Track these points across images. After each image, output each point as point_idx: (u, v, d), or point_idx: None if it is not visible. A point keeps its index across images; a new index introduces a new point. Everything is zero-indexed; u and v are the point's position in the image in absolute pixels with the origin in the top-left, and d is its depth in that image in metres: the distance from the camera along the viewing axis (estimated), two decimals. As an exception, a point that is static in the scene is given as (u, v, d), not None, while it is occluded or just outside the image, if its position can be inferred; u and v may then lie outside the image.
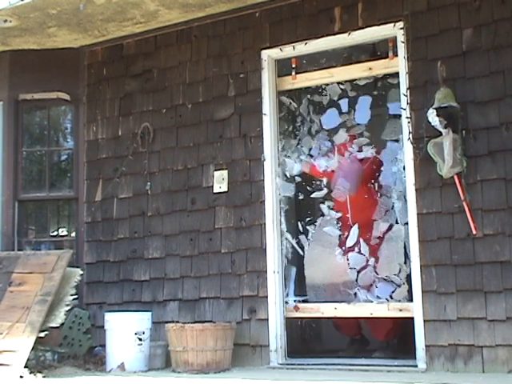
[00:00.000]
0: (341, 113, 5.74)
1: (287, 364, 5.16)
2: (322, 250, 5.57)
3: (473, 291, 4.60)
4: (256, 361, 5.23)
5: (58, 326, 5.22)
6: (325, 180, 5.73)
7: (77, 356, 5.58)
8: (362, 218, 5.52)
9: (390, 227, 5.34)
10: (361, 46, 5.51)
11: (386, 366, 4.87)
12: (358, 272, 5.37)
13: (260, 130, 5.49)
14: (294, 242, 5.54)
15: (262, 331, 5.25)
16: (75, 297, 5.48)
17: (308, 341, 5.99)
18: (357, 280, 5.35)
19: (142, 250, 5.89)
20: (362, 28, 5.20)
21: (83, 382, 4.64)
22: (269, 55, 5.56)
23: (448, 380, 4.17)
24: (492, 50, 4.73)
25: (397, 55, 5.11)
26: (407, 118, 4.93)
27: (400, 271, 5.18)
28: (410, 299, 4.91)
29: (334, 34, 5.31)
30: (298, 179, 5.69)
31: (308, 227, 5.68)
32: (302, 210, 5.99)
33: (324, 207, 5.69)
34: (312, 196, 5.79)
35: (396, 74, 5.14)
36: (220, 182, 5.59)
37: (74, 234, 6.37)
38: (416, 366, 4.71)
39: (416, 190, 4.85)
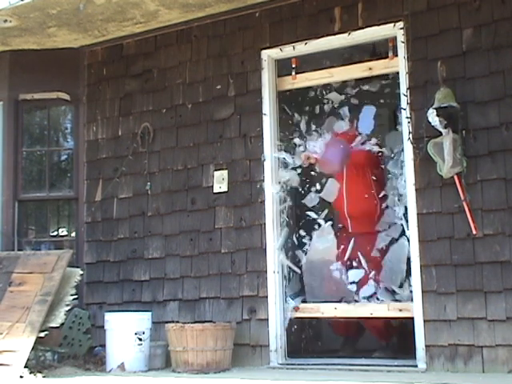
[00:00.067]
0: (342, 119, 5.79)
1: (287, 364, 5.16)
2: (319, 265, 5.56)
3: (473, 291, 4.59)
4: (256, 361, 5.23)
5: (57, 325, 5.22)
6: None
7: (77, 356, 5.57)
8: (363, 229, 5.53)
9: (395, 240, 5.32)
10: (361, 45, 5.51)
11: (386, 366, 4.87)
12: (358, 285, 5.37)
13: (260, 130, 5.49)
14: (288, 262, 5.48)
15: (262, 331, 5.25)
16: (75, 297, 5.47)
17: (308, 341, 5.98)
18: (357, 292, 5.34)
19: (141, 250, 5.89)
20: (362, 28, 5.20)
21: (83, 382, 4.64)
22: (269, 55, 5.56)
23: (448, 380, 4.17)
24: (492, 50, 4.73)
25: (397, 55, 5.11)
26: (407, 118, 4.93)
27: (403, 285, 5.13)
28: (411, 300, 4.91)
29: (334, 34, 5.31)
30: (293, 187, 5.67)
31: (304, 240, 5.67)
32: (297, 221, 5.94)
33: (321, 220, 5.68)
34: (303, 201, 5.75)
35: (396, 74, 5.14)
36: (220, 182, 5.59)
37: (74, 234, 6.37)
38: (416, 366, 4.70)
39: (416, 189, 4.85)
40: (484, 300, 4.55)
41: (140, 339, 5.16)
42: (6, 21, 5.67)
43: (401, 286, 5.16)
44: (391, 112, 6.02)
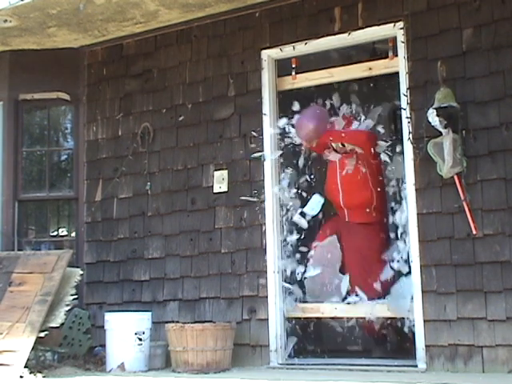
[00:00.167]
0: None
1: (287, 364, 5.16)
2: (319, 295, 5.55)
3: (473, 291, 4.59)
4: (256, 361, 5.23)
5: (58, 326, 5.22)
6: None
7: (77, 356, 5.57)
8: (363, 261, 5.51)
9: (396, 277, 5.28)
10: (361, 45, 5.51)
11: (386, 366, 4.87)
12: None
13: (260, 130, 5.49)
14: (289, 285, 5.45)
15: (262, 331, 5.25)
16: (75, 297, 5.47)
17: (308, 341, 5.98)
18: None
19: (142, 249, 5.89)
20: (362, 28, 5.20)
21: (83, 382, 4.64)
22: (269, 55, 5.56)
23: (448, 380, 4.17)
24: (492, 50, 4.73)
25: (397, 55, 5.11)
26: (407, 118, 4.93)
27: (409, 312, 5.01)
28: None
29: (334, 34, 5.31)
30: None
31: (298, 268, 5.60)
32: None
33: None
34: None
35: (396, 74, 5.14)
36: (220, 182, 5.59)
37: (74, 234, 6.38)
38: (416, 366, 4.71)
39: (416, 190, 4.85)
40: (484, 300, 4.55)
41: (140, 339, 5.16)
42: (6, 21, 5.67)
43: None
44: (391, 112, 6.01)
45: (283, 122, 5.54)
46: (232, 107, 5.64)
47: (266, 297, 5.28)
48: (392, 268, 5.31)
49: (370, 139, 5.54)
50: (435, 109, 4.64)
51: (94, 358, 5.63)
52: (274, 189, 5.40)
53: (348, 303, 5.27)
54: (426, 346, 4.68)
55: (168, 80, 5.98)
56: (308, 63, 5.61)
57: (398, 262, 5.23)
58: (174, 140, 5.87)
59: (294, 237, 5.49)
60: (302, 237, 5.57)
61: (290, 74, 5.60)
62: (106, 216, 6.10)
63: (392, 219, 5.36)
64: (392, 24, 5.08)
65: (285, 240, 5.43)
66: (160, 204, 5.86)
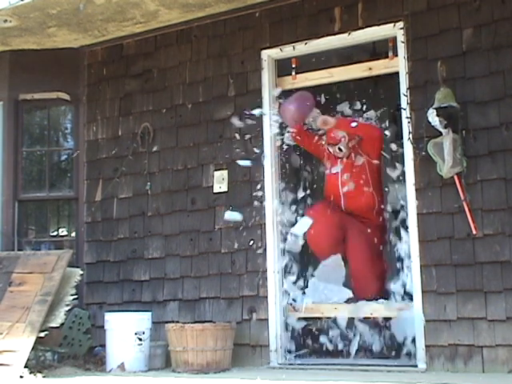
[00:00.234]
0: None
1: (287, 364, 5.16)
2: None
3: (473, 291, 4.59)
4: (256, 361, 5.23)
5: (58, 326, 5.21)
6: None
7: (77, 356, 5.57)
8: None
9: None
10: (361, 45, 5.51)
11: (386, 366, 4.87)
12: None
13: (260, 130, 5.48)
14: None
15: (262, 331, 5.25)
16: (75, 297, 5.47)
17: (308, 340, 5.98)
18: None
19: (142, 249, 5.89)
20: (362, 28, 5.20)
21: (83, 382, 4.64)
22: (269, 55, 5.56)
23: (448, 380, 4.17)
24: (492, 50, 4.73)
25: (397, 55, 5.11)
26: (407, 118, 4.93)
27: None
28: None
29: (334, 34, 5.30)
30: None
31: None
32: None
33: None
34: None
35: (396, 74, 5.13)
36: (220, 182, 5.59)
37: (74, 234, 6.37)
38: (416, 366, 4.70)
39: (416, 190, 4.85)
40: (484, 300, 4.55)
41: (140, 339, 5.16)
42: (6, 21, 5.67)
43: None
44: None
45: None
46: (232, 107, 5.64)
47: (266, 297, 5.28)
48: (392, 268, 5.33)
49: (382, 137, 5.52)
50: (435, 109, 4.64)
51: (94, 358, 5.63)
52: (274, 189, 5.41)
53: (348, 303, 5.27)
54: (426, 345, 4.68)
55: (168, 80, 5.98)
56: (308, 63, 5.61)
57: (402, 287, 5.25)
58: (174, 140, 5.87)
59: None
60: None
61: (290, 74, 5.60)
62: (105, 216, 6.10)
63: (396, 247, 5.36)
64: (392, 24, 5.08)
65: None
66: (160, 204, 5.86)
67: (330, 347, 5.53)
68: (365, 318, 5.31)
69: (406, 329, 4.99)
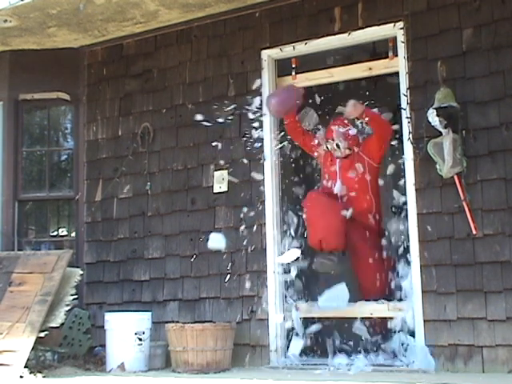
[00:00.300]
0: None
1: (287, 364, 5.16)
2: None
3: (473, 291, 4.60)
4: (256, 361, 5.23)
5: (58, 326, 5.22)
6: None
7: (77, 356, 5.57)
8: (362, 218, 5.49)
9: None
10: (361, 45, 5.51)
11: (386, 366, 4.86)
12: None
13: (260, 130, 5.49)
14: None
15: (262, 331, 5.25)
16: (75, 297, 5.47)
17: (308, 340, 5.98)
18: None
19: (142, 249, 5.89)
20: (362, 28, 5.20)
21: (83, 382, 4.64)
22: (269, 55, 5.56)
23: (448, 380, 4.17)
24: (492, 50, 4.73)
25: (397, 55, 5.11)
26: (407, 118, 4.93)
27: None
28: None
29: (334, 34, 5.30)
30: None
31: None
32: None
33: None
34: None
35: (396, 74, 5.13)
36: (220, 182, 5.59)
37: (74, 234, 6.37)
38: (416, 366, 4.70)
39: (416, 190, 4.85)
40: (484, 300, 4.55)
41: (140, 339, 5.16)
42: (6, 21, 5.67)
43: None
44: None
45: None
46: (232, 107, 5.64)
47: (266, 297, 5.28)
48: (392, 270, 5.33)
49: (391, 137, 5.33)
50: (435, 109, 4.64)
51: (94, 358, 5.63)
52: (274, 189, 5.41)
53: (348, 303, 5.26)
54: (426, 346, 4.68)
55: (168, 80, 5.98)
56: (308, 63, 5.61)
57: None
58: (174, 140, 5.87)
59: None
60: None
61: (290, 74, 5.60)
62: (106, 216, 6.10)
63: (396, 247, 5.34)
64: (392, 24, 5.08)
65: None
66: (160, 204, 5.86)
67: (330, 347, 5.53)
68: (365, 318, 5.31)
69: (406, 329, 4.98)
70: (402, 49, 5.04)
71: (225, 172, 5.59)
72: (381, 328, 5.46)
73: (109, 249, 6.05)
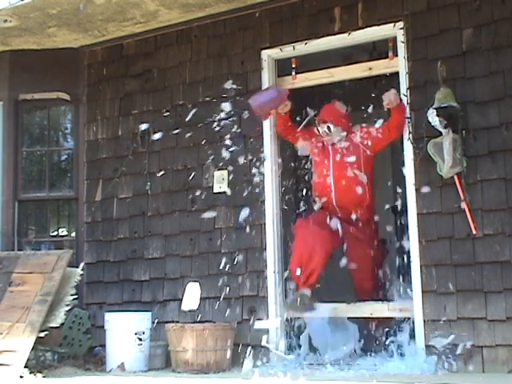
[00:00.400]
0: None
1: (287, 364, 5.15)
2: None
3: (473, 291, 4.60)
4: (256, 361, 5.22)
5: (58, 326, 5.21)
6: None
7: (77, 356, 5.58)
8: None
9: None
10: (361, 45, 5.51)
11: (386, 366, 4.85)
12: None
13: (260, 130, 5.49)
14: None
15: (262, 331, 5.25)
16: (75, 297, 5.47)
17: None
18: None
19: (142, 249, 5.89)
20: (362, 28, 5.20)
21: (83, 382, 4.64)
22: (269, 55, 5.56)
23: (448, 380, 4.17)
24: (492, 50, 4.73)
25: (397, 55, 5.11)
26: (407, 118, 4.93)
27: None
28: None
29: (334, 34, 5.31)
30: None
31: None
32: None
33: None
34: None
35: (396, 74, 5.13)
36: (220, 182, 5.59)
37: (74, 234, 6.37)
38: (416, 366, 4.70)
39: (416, 190, 4.85)
40: (484, 300, 4.55)
41: (140, 339, 5.16)
42: (6, 21, 5.67)
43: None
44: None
45: None
46: (232, 107, 5.63)
47: (266, 297, 5.29)
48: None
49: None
50: (435, 109, 4.65)
51: (94, 358, 5.63)
52: (274, 189, 5.41)
53: (348, 303, 5.26)
54: (426, 345, 4.68)
55: (168, 80, 5.98)
56: (308, 63, 5.60)
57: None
58: (174, 140, 5.87)
59: None
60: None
61: (290, 74, 5.60)
62: (106, 216, 6.10)
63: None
64: (392, 24, 5.08)
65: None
66: (160, 204, 5.86)
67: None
68: (365, 318, 5.31)
69: (406, 329, 4.98)
70: (401, 49, 5.04)
71: (225, 172, 5.59)
72: (381, 328, 5.47)
73: (109, 249, 6.05)
